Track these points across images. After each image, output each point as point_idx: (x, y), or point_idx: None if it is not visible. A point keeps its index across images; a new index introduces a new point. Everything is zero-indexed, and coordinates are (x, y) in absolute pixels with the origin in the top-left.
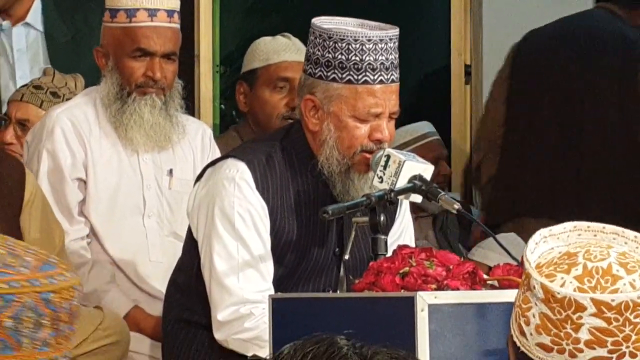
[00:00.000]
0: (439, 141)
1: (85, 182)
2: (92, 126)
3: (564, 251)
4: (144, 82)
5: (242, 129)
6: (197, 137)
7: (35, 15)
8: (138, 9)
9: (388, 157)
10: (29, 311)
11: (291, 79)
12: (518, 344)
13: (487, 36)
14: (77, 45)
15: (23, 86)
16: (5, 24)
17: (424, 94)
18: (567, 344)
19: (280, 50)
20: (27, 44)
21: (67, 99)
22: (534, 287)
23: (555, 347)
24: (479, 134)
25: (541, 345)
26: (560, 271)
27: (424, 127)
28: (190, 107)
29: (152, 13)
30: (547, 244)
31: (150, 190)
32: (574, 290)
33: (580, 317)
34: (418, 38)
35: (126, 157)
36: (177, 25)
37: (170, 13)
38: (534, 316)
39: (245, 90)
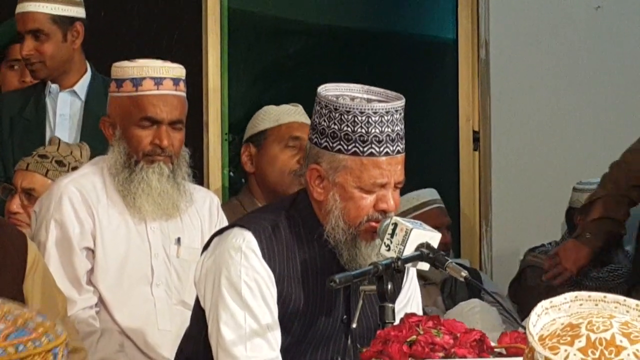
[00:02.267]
0: (440, 209)
1: (93, 252)
2: (100, 195)
3: (567, 322)
4: (151, 151)
5: (244, 197)
6: (205, 205)
7: (82, 86)
8: (144, 78)
9: (395, 225)
10: None
11: (302, 139)
12: None
13: (495, 102)
14: None
15: (28, 155)
16: (54, 87)
17: (432, 160)
18: None
19: (290, 112)
20: (70, 111)
21: (73, 168)
22: None
23: None
24: (607, 175)
25: None
26: (563, 343)
27: (425, 194)
28: (199, 175)
29: (158, 81)
30: (548, 315)
31: (158, 259)
32: None
33: None
34: (426, 104)
35: (134, 226)
36: (183, 94)
37: (176, 81)
38: None
39: (251, 152)
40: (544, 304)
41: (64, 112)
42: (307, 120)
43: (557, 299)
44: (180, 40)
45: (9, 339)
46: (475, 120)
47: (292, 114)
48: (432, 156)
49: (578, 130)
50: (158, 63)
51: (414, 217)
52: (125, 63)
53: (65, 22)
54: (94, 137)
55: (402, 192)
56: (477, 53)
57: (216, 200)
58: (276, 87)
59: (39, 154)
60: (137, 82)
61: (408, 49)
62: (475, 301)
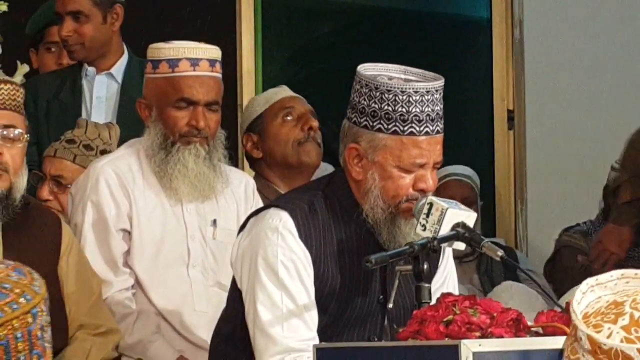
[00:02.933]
0: (459, 181)
1: (129, 233)
2: (136, 177)
3: (611, 300)
4: (187, 132)
5: (258, 183)
6: (241, 187)
7: (119, 68)
8: (180, 59)
9: (431, 204)
10: None
11: (296, 108)
12: None
13: (530, 81)
14: None
15: (56, 141)
16: (90, 70)
17: (467, 139)
18: None
19: (277, 92)
20: (106, 93)
21: (101, 151)
22: (581, 339)
23: None
24: (625, 155)
25: None
26: (607, 321)
27: (449, 168)
28: (234, 157)
29: (194, 63)
30: (594, 293)
31: (194, 241)
32: (621, 341)
33: None
34: (460, 84)
35: (170, 208)
36: (219, 75)
37: (212, 62)
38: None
39: (254, 139)
40: (589, 281)
41: (101, 94)
42: (295, 94)
43: (602, 277)
44: (213, 22)
45: None
46: (510, 100)
47: (278, 93)
48: (466, 136)
49: (613, 108)
50: (194, 44)
51: None
52: (162, 44)
53: (105, 4)
54: (130, 119)
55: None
56: (512, 32)
57: (252, 182)
58: (310, 68)
59: (67, 138)
60: (173, 63)
61: (442, 28)
62: (510, 283)
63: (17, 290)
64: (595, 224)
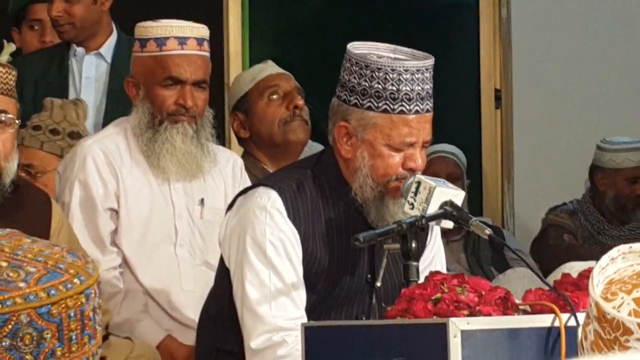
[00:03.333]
0: (444, 158)
1: (117, 212)
2: (124, 156)
3: (637, 270)
4: (175, 110)
5: (247, 162)
6: (228, 166)
7: (108, 48)
8: (168, 38)
9: (419, 183)
10: (26, 328)
11: (281, 86)
12: (580, 357)
13: (517, 60)
14: None
15: (23, 126)
16: (79, 50)
17: (454, 118)
18: None
19: (262, 69)
20: (96, 73)
21: (69, 134)
22: (591, 305)
23: None
24: None
25: None
26: (623, 291)
27: (434, 147)
28: (221, 136)
29: (182, 41)
30: (626, 260)
31: (182, 220)
32: (629, 314)
33: (627, 341)
34: (448, 63)
35: (157, 187)
36: (207, 54)
37: (200, 41)
38: (590, 332)
39: (240, 118)
40: (621, 248)
41: (90, 74)
42: (280, 71)
43: (637, 245)
44: (201, 1)
45: (40, 282)
46: (497, 79)
47: (264, 70)
48: (454, 115)
49: (600, 87)
50: (182, 23)
51: None
52: (149, 23)
53: None
54: (120, 99)
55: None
56: (499, 12)
57: (240, 161)
58: (297, 48)
59: (33, 124)
60: (161, 42)
61: (429, 8)
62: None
63: (71, 271)
64: (581, 203)
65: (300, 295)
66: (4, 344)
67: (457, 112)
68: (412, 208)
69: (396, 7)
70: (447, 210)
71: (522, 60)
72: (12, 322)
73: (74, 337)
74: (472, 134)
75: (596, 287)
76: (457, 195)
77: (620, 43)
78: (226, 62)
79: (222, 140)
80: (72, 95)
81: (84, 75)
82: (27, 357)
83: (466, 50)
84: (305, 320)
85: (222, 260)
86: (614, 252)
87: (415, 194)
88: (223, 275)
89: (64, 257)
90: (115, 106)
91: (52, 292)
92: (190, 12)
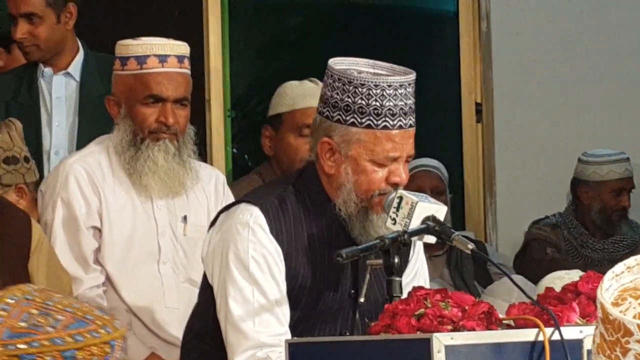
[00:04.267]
0: (427, 172)
1: (100, 230)
2: (106, 174)
3: None
4: (156, 128)
5: (265, 172)
6: (211, 183)
7: (76, 66)
8: (148, 56)
9: (401, 198)
10: None
11: None
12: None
13: (497, 74)
14: None
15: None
16: (47, 70)
17: (435, 133)
18: None
19: (306, 95)
20: (65, 93)
21: (4, 160)
22: (597, 307)
23: None
24: None
25: None
26: (633, 297)
27: (420, 161)
28: (203, 153)
29: (162, 59)
30: None
31: (165, 237)
32: (633, 317)
33: (628, 342)
34: (428, 77)
35: (140, 204)
36: (188, 71)
37: (180, 59)
38: (597, 335)
39: (270, 134)
40: (638, 257)
41: (60, 94)
42: None
43: None
44: (181, 18)
45: (67, 329)
46: (478, 93)
47: (307, 97)
48: (435, 129)
49: (581, 101)
50: (163, 41)
51: None
52: (130, 41)
53: (58, 4)
54: (91, 117)
55: None
56: (479, 25)
57: (222, 177)
58: (278, 62)
59: None
60: (141, 60)
61: (409, 22)
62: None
63: (98, 322)
64: (564, 216)
65: (284, 312)
66: None
67: (438, 126)
68: (395, 223)
69: (376, 21)
70: (430, 225)
71: (502, 74)
72: None
73: None
74: (453, 147)
75: (606, 290)
76: (439, 210)
77: (601, 56)
78: (207, 78)
79: (204, 157)
80: (44, 115)
81: (54, 95)
82: None
83: (447, 64)
84: (289, 336)
85: (205, 277)
86: (631, 260)
87: (398, 209)
88: (206, 292)
89: (93, 311)
90: (88, 124)
91: (79, 338)
92: (170, 29)
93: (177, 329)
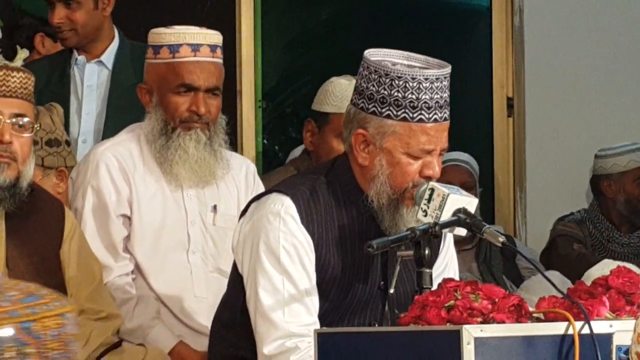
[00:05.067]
0: (457, 167)
1: (129, 219)
2: (137, 162)
3: None
4: (188, 117)
5: (302, 165)
6: (241, 172)
7: (110, 54)
8: (181, 45)
9: (432, 190)
10: (9, 341)
11: None
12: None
13: (529, 68)
14: None
15: None
16: (81, 58)
17: (466, 127)
18: None
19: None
20: (97, 81)
21: (46, 142)
22: (635, 324)
23: None
24: None
25: (638, 355)
26: None
27: (451, 154)
28: (233, 143)
29: (195, 48)
30: None
31: (194, 226)
32: None
33: None
34: (460, 71)
35: (170, 194)
36: (220, 60)
37: (213, 48)
38: (638, 325)
39: (313, 130)
40: None
41: (91, 82)
42: None
43: None
44: (213, 7)
45: (22, 302)
46: (510, 87)
47: None
48: (466, 123)
49: (612, 96)
50: (195, 29)
51: None
52: (163, 29)
53: None
54: (121, 105)
55: None
56: (511, 20)
57: (252, 167)
58: (309, 54)
59: None
60: (174, 48)
61: (442, 15)
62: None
63: (50, 296)
64: (589, 212)
65: (314, 302)
66: None
67: (469, 120)
68: (426, 215)
69: (408, 13)
70: (461, 217)
71: (534, 68)
72: None
73: (53, 356)
74: (484, 142)
75: None
76: (471, 203)
77: (633, 50)
78: (238, 68)
79: (234, 146)
80: (73, 104)
81: (86, 83)
82: None
83: (479, 58)
84: (318, 326)
85: (235, 266)
86: None
87: (429, 201)
88: (236, 281)
89: (41, 289)
90: (117, 113)
91: (34, 310)
92: (202, 19)
93: (205, 319)
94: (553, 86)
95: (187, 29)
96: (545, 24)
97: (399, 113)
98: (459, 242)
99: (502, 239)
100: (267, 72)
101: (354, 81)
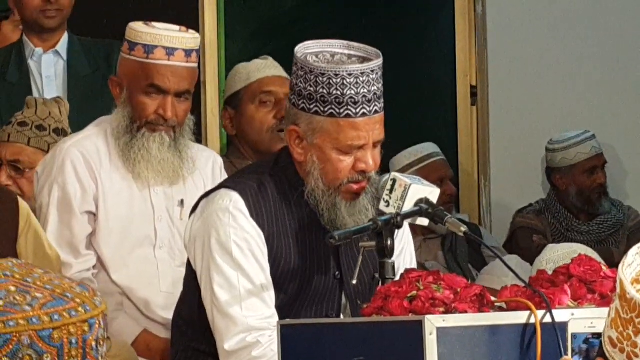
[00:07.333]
0: (444, 161)
1: (95, 215)
2: (103, 158)
3: None
4: (154, 120)
5: (232, 154)
6: (208, 166)
7: (63, 45)
8: (156, 47)
9: (394, 180)
10: (26, 349)
11: (274, 92)
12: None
13: (492, 57)
14: (96, 81)
15: (8, 124)
16: (38, 50)
17: (430, 115)
18: (627, 346)
19: (260, 68)
20: (55, 72)
21: (54, 130)
22: (616, 282)
23: (618, 345)
24: None
25: (610, 340)
26: None
27: (428, 147)
28: (197, 133)
29: (169, 52)
30: None
31: (161, 222)
32: None
33: None
34: (423, 60)
35: (137, 189)
36: (195, 65)
37: (188, 53)
38: (612, 309)
39: (230, 114)
40: None
41: (50, 73)
42: (278, 72)
43: None
44: (176, 0)
45: (44, 307)
46: (473, 75)
47: (261, 69)
48: (429, 112)
49: (576, 83)
50: (173, 32)
51: (418, 170)
52: (141, 26)
53: None
54: (79, 96)
55: (403, 148)
56: (474, 8)
57: (219, 161)
58: (273, 44)
59: (18, 121)
60: (149, 49)
61: (404, 4)
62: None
63: (77, 300)
64: (547, 202)
65: (270, 294)
66: None
67: (433, 109)
68: (388, 205)
69: (372, 2)
70: (423, 207)
71: (497, 56)
72: (13, 343)
73: None
74: (448, 130)
75: (628, 266)
76: (432, 193)
77: (598, 37)
78: (202, 59)
79: (198, 137)
80: (35, 94)
81: (44, 74)
82: None
83: (442, 46)
84: (276, 318)
85: (189, 263)
86: None
87: (391, 191)
88: (191, 278)
89: (73, 288)
90: (76, 102)
91: (55, 317)
92: (166, 11)
93: (171, 313)
94: (516, 74)
95: (166, 29)
96: (507, 12)
97: (326, 109)
98: (425, 230)
99: (464, 228)
100: (231, 63)
101: (255, 60)
